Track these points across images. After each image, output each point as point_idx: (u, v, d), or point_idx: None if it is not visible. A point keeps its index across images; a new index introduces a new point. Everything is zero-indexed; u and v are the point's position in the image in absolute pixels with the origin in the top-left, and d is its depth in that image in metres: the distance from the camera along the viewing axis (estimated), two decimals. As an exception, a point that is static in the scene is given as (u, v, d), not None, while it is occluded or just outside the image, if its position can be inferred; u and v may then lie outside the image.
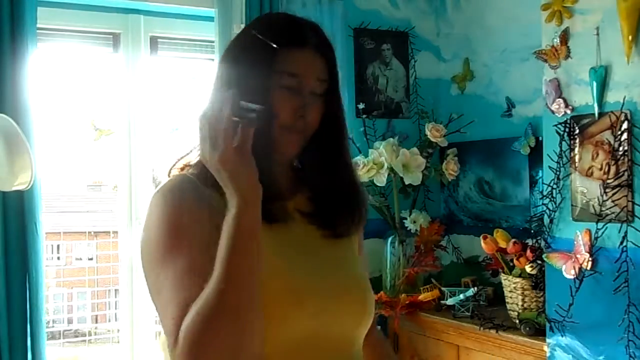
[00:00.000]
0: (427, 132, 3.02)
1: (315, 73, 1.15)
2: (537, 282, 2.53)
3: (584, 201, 2.22)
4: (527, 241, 2.59)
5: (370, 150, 2.96)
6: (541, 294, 2.51)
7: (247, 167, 0.98)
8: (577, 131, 2.25)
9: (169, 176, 1.19)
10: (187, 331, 0.95)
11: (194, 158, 1.18)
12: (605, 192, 2.14)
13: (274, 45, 1.11)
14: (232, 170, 0.97)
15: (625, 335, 2.09)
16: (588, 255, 2.19)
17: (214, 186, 1.04)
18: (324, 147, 1.20)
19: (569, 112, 2.28)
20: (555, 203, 2.31)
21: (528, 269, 2.53)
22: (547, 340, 2.34)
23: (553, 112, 2.33)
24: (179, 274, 1.02)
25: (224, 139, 0.96)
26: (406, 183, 2.95)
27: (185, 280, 1.01)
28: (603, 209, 2.15)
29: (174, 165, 1.21)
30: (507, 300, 2.65)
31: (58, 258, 7.75)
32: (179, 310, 0.98)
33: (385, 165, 2.88)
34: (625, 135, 2.11)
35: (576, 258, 2.23)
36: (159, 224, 1.08)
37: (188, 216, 1.07)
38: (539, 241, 2.44)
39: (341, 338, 1.17)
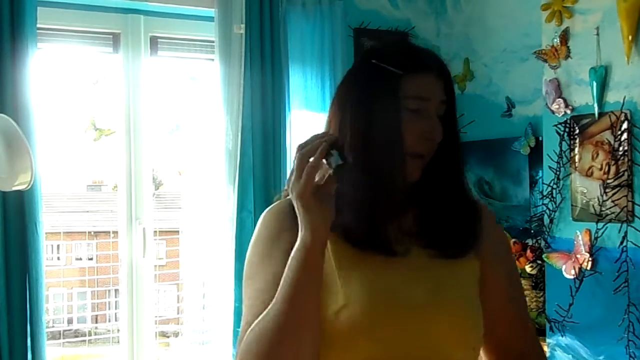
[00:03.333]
0: (427, 132, 3.01)
1: (439, 96, 1.17)
2: (537, 282, 2.53)
3: (584, 201, 2.22)
4: (527, 241, 2.59)
5: (370, 150, 2.95)
6: (541, 294, 2.51)
7: (322, 207, 1.06)
8: (577, 131, 2.25)
9: (284, 196, 1.26)
10: (244, 347, 1.10)
11: None
12: (605, 192, 2.15)
13: (400, 72, 1.14)
14: (307, 206, 1.05)
15: (625, 335, 2.09)
16: (588, 255, 2.19)
17: None
18: (441, 167, 1.20)
19: (569, 112, 2.28)
20: (555, 203, 2.31)
21: (528, 269, 2.53)
22: (547, 340, 2.34)
23: (553, 112, 2.33)
24: (254, 293, 1.16)
25: (307, 176, 1.04)
26: (406, 183, 2.95)
27: (256, 300, 1.14)
28: (603, 209, 2.15)
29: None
30: (507, 300, 2.65)
31: (58, 258, 7.75)
32: (247, 325, 1.12)
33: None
34: (625, 135, 2.11)
35: (576, 258, 2.23)
36: (256, 242, 1.21)
37: (278, 241, 1.16)
38: (539, 241, 2.44)
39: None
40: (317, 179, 1.05)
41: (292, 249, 1.10)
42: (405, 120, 1.14)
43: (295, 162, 1.06)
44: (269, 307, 1.08)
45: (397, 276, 1.15)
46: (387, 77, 1.15)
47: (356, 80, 1.20)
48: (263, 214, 1.24)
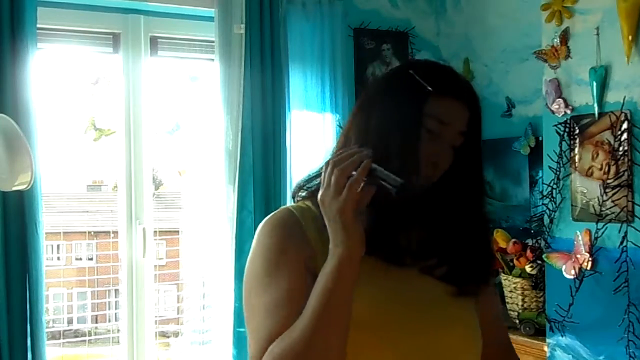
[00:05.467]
0: (427, 132, 3.01)
1: (459, 125, 1.15)
2: (537, 282, 2.53)
3: (584, 201, 2.22)
4: (527, 241, 2.59)
5: (370, 150, 2.95)
6: (541, 294, 2.51)
7: (359, 225, 1.03)
8: (577, 131, 2.25)
9: (294, 199, 1.24)
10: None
11: (317, 189, 1.19)
12: (605, 192, 2.15)
13: (430, 89, 1.13)
14: (347, 223, 1.02)
15: (625, 335, 2.09)
16: (588, 255, 2.19)
17: (323, 227, 1.09)
18: (461, 198, 1.19)
19: (569, 112, 2.28)
20: (555, 203, 2.31)
21: (528, 269, 2.53)
22: (547, 340, 2.35)
23: (553, 112, 2.33)
24: (268, 306, 1.09)
25: (349, 192, 1.01)
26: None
27: (273, 313, 1.08)
28: (603, 209, 2.15)
29: (302, 188, 1.24)
30: (507, 300, 2.65)
31: (58, 258, 7.75)
32: (264, 339, 1.06)
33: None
34: (625, 135, 2.11)
35: (576, 258, 2.23)
36: (262, 253, 1.15)
37: (286, 254, 1.13)
38: (539, 241, 2.44)
39: None
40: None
41: (301, 261, 1.10)
42: (420, 138, 1.13)
43: (333, 177, 1.03)
44: (296, 324, 1.04)
45: (404, 292, 1.15)
46: (417, 90, 1.14)
47: (388, 86, 1.20)
48: (265, 223, 1.19)
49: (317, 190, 1.13)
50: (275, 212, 1.21)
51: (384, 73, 1.27)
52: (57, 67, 3.40)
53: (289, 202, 1.33)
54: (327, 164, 1.06)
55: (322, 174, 1.06)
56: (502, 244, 2.63)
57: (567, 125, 2.27)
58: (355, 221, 1.03)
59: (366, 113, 1.17)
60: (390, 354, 1.11)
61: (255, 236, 1.19)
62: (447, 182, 1.17)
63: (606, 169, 2.15)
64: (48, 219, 3.57)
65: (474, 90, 1.20)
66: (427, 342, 1.13)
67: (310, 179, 1.23)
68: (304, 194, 1.23)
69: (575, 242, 2.24)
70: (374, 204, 1.06)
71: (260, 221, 1.21)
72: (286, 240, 1.14)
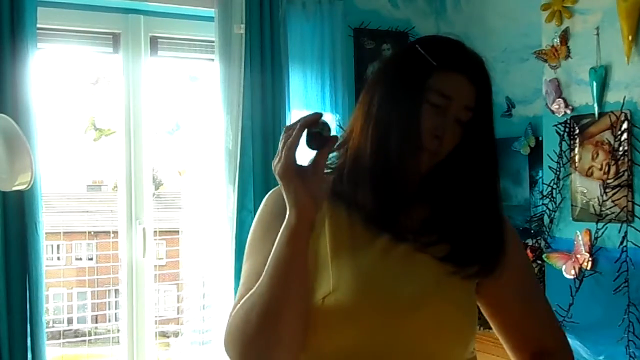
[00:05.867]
0: (427, 132, 3.01)
1: (465, 100, 1.16)
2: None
3: (584, 201, 2.22)
4: (527, 241, 2.59)
5: (370, 150, 2.95)
6: (541, 294, 2.51)
7: (308, 186, 1.05)
8: (577, 131, 2.25)
9: None
10: (229, 324, 1.11)
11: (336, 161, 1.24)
12: (605, 192, 2.15)
13: (434, 63, 1.14)
14: (289, 184, 1.05)
15: (625, 335, 2.09)
16: (588, 255, 2.20)
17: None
18: (471, 175, 1.18)
19: (569, 112, 2.28)
20: (555, 203, 2.31)
21: (528, 269, 2.53)
22: (547, 340, 2.34)
23: (553, 112, 2.33)
24: (248, 272, 1.16)
25: (286, 153, 1.04)
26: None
27: (249, 279, 1.14)
28: (603, 209, 2.15)
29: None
30: (507, 300, 2.65)
31: (58, 258, 7.75)
32: (239, 297, 1.13)
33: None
34: (625, 135, 2.11)
35: (576, 258, 2.23)
36: (254, 222, 1.23)
37: (270, 229, 1.15)
38: (539, 241, 2.44)
39: (407, 355, 1.12)
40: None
41: None
42: (423, 112, 1.13)
43: (280, 141, 1.06)
44: (257, 284, 1.09)
45: (391, 268, 1.14)
46: (421, 64, 1.15)
47: (392, 62, 1.23)
48: (267, 195, 1.24)
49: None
50: (277, 187, 1.21)
51: (394, 51, 1.28)
52: (57, 67, 3.39)
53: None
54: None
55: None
56: (502, 244, 2.63)
57: (567, 125, 2.27)
58: (301, 183, 1.04)
59: (371, 90, 1.19)
60: (358, 331, 1.09)
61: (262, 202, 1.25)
62: (457, 159, 1.17)
63: (606, 169, 2.15)
64: (48, 219, 3.57)
65: (484, 66, 1.21)
66: (403, 322, 1.11)
67: None
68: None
69: (575, 242, 2.24)
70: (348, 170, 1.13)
71: None
72: (276, 211, 1.16)
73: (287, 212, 1.06)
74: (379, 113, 1.15)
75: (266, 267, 1.08)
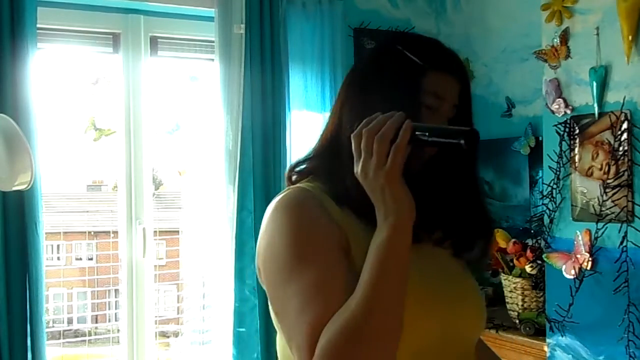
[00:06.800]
0: (427, 132, 3.01)
1: (453, 99, 1.16)
2: (537, 282, 2.53)
3: (584, 201, 2.22)
4: (527, 241, 2.59)
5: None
6: (541, 294, 2.51)
7: (408, 191, 1.01)
8: (577, 131, 2.25)
9: (289, 182, 1.21)
10: (328, 349, 0.97)
11: (319, 169, 1.18)
12: (605, 192, 2.15)
13: (424, 65, 1.13)
14: (397, 191, 1.00)
15: (625, 335, 2.09)
16: (588, 255, 2.19)
17: (346, 204, 1.09)
18: (455, 171, 1.19)
19: (569, 112, 2.28)
20: (555, 203, 2.31)
21: (528, 269, 2.53)
22: (547, 340, 2.34)
23: (553, 112, 2.33)
24: (309, 289, 1.02)
25: (394, 158, 0.99)
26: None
27: (316, 296, 1.01)
28: (603, 209, 2.15)
29: (294, 169, 1.22)
30: (507, 300, 2.65)
31: (58, 258, 7.76)
32: (312, 324, 0.99)
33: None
34: (625, 135, 2.11)
35: (576, 258, 2.23)
36: (287, 237, 1.07)
37: (318, 232, 1.07)
38: (539, 241, 2.44)
39: (464, 342, 1.18)
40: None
41: (331, 239, 1.05)
42: (420, 114, 1.13)
43: (375, 145, 1.00)
44: (349, 302, 0.99)
45: (429, 267, 1.15)
46: (412, 67, 1.13)
47: (378, 65, 1.18)
48: (279, 205, 1.11)
49: (315, 170, 1.16)
50: (286, 193, 1.14)
51: (369, 52, 1.24)
52: (57, 67, 3.40)
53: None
54: (357, 135, 1.03)
55: (353, 145, 1.03)
56: (502, 244, 2.63)
57: (567, 125, 2.27)
58: (404, 189, 1.01)
59: (361, 94, 1.15)
60: (436, 325, 1.10)
61: (270, 221, 1.11)
62: (443, 156, 1.16)
63: (606, 169, 2.15)
64: (48, 219, 3.57)
65: (462, 61, 1.21)
66: (461, 312, 1.15)
67: (298, 163, 1.22)
68: (295, 177, 1.21)
69: (575, 242, 2.24)
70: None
71: (260, 221, 1.16)
72: (312, 219, 1.08)
73: (388, 222, 1.00)
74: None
75: (363, 283, 0.99)
